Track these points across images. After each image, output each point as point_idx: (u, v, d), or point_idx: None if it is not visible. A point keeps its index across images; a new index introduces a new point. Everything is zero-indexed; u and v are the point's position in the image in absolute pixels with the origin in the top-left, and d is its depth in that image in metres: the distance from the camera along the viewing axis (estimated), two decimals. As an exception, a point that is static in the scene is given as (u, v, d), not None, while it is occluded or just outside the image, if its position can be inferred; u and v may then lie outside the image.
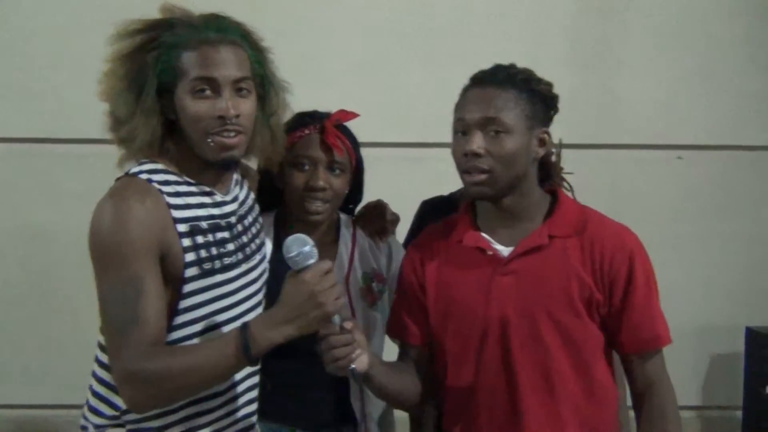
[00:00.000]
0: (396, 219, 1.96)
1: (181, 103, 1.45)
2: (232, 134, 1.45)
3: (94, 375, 1.52)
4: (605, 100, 3.16)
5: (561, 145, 1.70)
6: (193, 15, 1.50)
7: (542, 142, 1.54)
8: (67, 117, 3.09)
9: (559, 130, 3.09)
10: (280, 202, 1.85)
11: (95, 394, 1.51)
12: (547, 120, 1.57)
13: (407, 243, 1.98)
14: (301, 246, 1.38)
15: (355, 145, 1.83)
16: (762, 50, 3.22)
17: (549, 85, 1.57)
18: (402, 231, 2.05)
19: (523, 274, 1.53)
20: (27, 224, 3.22)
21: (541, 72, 3.29)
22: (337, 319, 1.40)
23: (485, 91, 1.51)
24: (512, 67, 1.56)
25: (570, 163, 3.06)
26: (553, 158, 1.68)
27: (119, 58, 1.47)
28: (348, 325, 1.42)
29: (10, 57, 3.14)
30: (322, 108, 2.69)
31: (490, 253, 1.56)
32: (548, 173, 1.65)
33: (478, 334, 1.55)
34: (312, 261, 1.39)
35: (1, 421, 3.28)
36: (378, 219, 1.92)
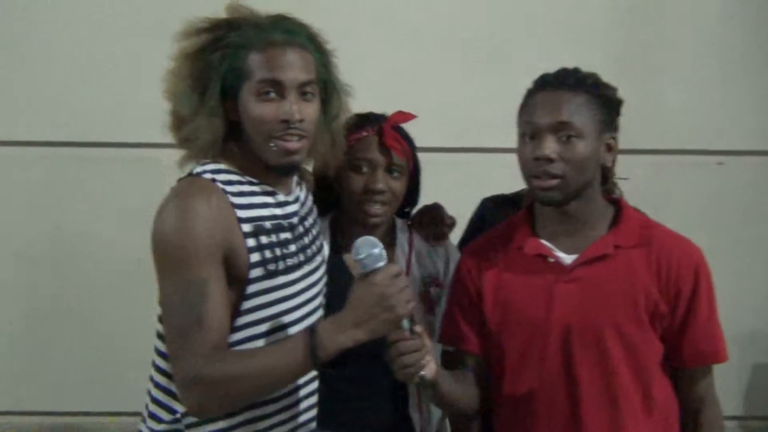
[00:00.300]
0: (453, 223, 1.93)
1: (246, 105, 1.44)
2: (295, 138, 1.44)
3: (152, 380, 1.52)
4: (643, 105, 3.12)
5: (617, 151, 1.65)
6: (259, 15, 1.49)
7: (609, 148, 1.53)
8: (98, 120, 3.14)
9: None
10: (335, 206, 1.82)
11: (154, 400, 1.50)
12: (612, 125, 1.54)
13: (464, 242, 1.98)
14: (371, 248, 1.37)
15: (412, 147, 1.81)
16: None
17: (615, 89, 1.56)
18: (455, 235, 2.03)
19: (587, 282, 1.51)
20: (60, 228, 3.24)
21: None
22: (406, 323, 1.37)
23: (557, 95, 1.49)
24: (579, 71, 1.55)
25: (618, 168, 3.08)
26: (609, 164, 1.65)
27: (184, 57, 1.46)
28: (418, 329, 1.39)
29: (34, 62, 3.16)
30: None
31: (552, 260, 1.54)
32: (605, 177, 1.63)
33: (540, 342, 1.52)
34: (381, 263, 1.36)
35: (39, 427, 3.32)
36: (434, 222, 1.89)
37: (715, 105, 3.17)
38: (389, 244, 1.82)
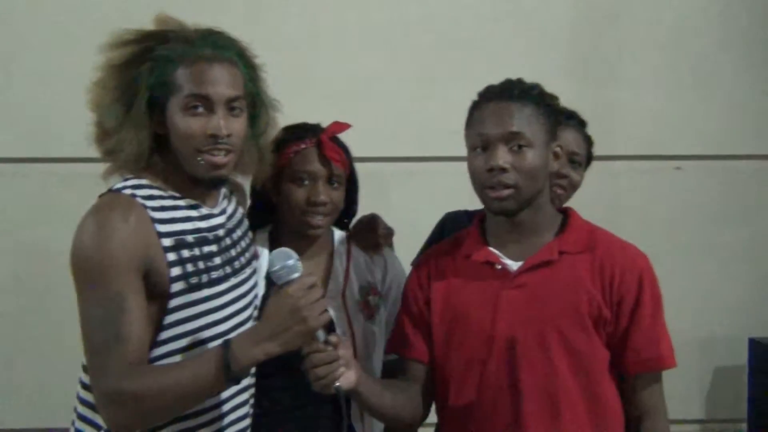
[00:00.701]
0: (389, 233, 1.96)
1: (173, 119, 1.44)
2: (222, 153, 1.45)
3: (78, 396, 1.52)
4: (601, 111, 3.13)
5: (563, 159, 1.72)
6: (188, 28, 1.49)
7: (556, 156, 1.57)
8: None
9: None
10: (272, 218, 1.83)
11: (80, 417, 1.51)
12: (556, 135, 1.59)
13: (422, 252, 2.02)
14: (285, 260, 1.38)
15: (349, 157, 1.82)
16: (758, 57, 3.21)
17: (557, 99, 1.61)
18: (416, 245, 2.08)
19: (531, 288, 1.53)
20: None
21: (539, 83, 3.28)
22: (321, 335, 1.38)
23: (505, 106, 1.52)
24: (524, 82, 1.59)
25: (569, 175, 3.08)
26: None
27: (110, 68, 1.46)
28: (332, 339, 1.40)
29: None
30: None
31: (499, 267, 1.56)
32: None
33: (484, 350, 1.53)
34: (296, 275, 1.38)
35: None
36: (370, 233, 1.91)
37: (672, 110, 3.18)
38: (329, 254, 1.86)
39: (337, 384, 1.39)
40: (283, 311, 1.34)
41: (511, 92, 1.54)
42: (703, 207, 3.21)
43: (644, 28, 3.18)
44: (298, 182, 1.75)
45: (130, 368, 1.32)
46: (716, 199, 3.24)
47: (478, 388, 1.54)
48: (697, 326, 3.21)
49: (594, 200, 3.12)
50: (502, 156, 1.49)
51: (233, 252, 1.58)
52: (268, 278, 1.67)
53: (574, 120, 2.21)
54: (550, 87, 3.04)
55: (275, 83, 2.96)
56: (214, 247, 1.52)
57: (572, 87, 3.10)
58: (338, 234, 1.92)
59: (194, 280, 1.45)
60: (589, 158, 2.27)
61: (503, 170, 1.49)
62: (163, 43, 1.45)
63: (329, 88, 3.07)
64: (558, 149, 1.58)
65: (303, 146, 1.76)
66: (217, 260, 1.51)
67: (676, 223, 3.19)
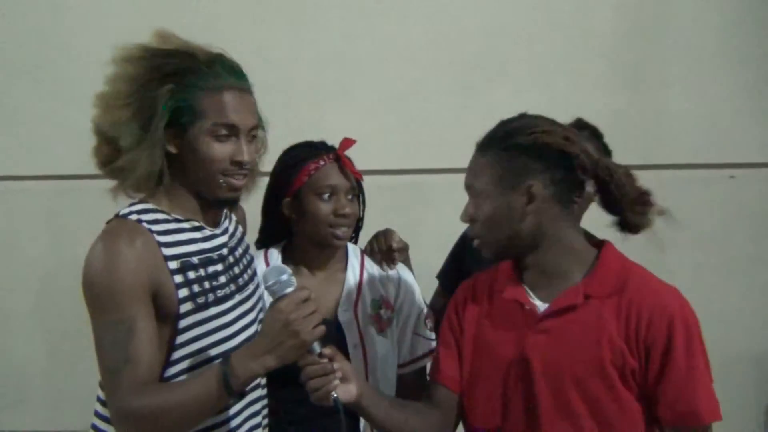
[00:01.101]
0: (403, 247, 1.99)
1: (196, 142, 1.49)
2: (243, 176, 1.53)
3: (96, 413, 1.58)
4: (650, 119, 3.09)
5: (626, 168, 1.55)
6: (199, 50, 1.53)
7: (531, 197, 1.45)
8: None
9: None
10: (284, 235, 1.91)
11: (96, 430, 1.58)
12: (544, 169, 1.45)
13: (445, 268, 2.15)
14: (279, 275, 1.42)
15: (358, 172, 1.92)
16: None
17: (543, 133, 1.45)
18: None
19: (555, 334, 1.47)
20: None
21: (582, 95, 3.26)
22: (316, 348, 1.41)
23: (471, 159, 1.53)
24: (504, 123, 1.53)
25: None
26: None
27: (124, 83, 1.48)
28: (326, 351, 1.43)
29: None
30: (367, 137, 2.68)
31: (528, 307, 1.51)
32: (616, 203, 1.51)
33: (509, 387, 1.50)
34: (289, 290, 1.41)
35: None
36: (386, 246, 1.96)
37: (725, 117, 3.09)
38: (342, 267, 1.93)
39: (335, 395, 1.42)
40: (276, 326, 1.38)
41: (481, 142, 1.53)
42: (758, 217, 3.11)
43: (692, 33, 3.10)
44: (322, 197, 1.81)
45: (139, 388, 1.38)
46: (772, 209, 3.13)
47: (501, 421, 1.53)
48: (752, 340, 3.12)
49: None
50: (466, 209, 1.53)
51: (236, 269, 1.64)
52: None
53: (586, 131, 2.20)
54: (594, 96, 3.04)
55: (314, 98, 3.02)
56: (219, 267, 1.57)
57: (619, 95, 3.05)
58: (351, 247, 1.98)
59: (201, 299, 1.50)
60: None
61: (470, 221, 1.53)
62: (182, 65, 1.49)
63: (368, 102, 3.08)
64: (535, 189, 1.44)
65: (323, 163, 1.83)
66: (222, 279, 1.57)
67: (730, 234, 3.10)
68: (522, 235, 1.47)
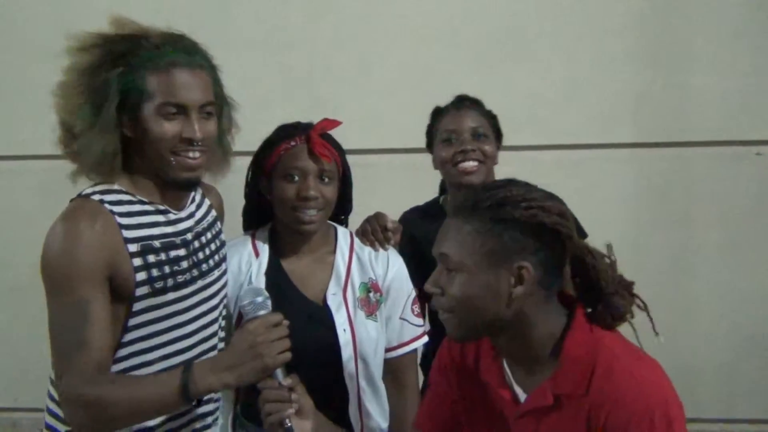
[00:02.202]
0: (397, 228, 1.98)
1: (147, 123, 1.48)
2: (197, 154, 1.51)
3: (49, 394, 1.59)
4: (676, 96, 3.03)
5: (611, 256, 1.38)
6: (152, 32, 1.52)
7: (520, 279, 1.28)
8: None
9: (629, 129, 3.01)
10: (270, 217, 1.89)
11: (50, 413, 1.58)
12: (537, 250, 1.29)
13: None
14: (254, 296, 1.44)
15: (341, 152, 1.86)
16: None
17: (542, 210, 1.29)
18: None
19: (535, 429, 1.35)
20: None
21: (605, 73, 3.21)
22: (279, 374, 1.42)
23: (448, 223, 1.35)
24: (491, 188, 1.34)
25: (643, 162, 2.97)
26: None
27: (78, 72, 1.49)
28: (287, 381, 1.43)
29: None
30: (386, 115, 2.63)
31: (508, 398, 1.40)
32: (599, 291, 1.34)
33: None
34: (262, 312, 1.43)
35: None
36: (379, 227, 1.94)
37: (751, 94, 3.02)
38: (330, 251, 1.90)
39: (288, 424, 1.42)
40: (242, 346, 1.39)
41: (464, 204, 1.34)
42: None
43: (717, 9, 3.02)
44: (288, 179, 1.78)
45: (92, 375, 1.38)
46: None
47: None
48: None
49: (669, 189, 3.05)
50: (433, 277, 1.36)
51: (201, 255, 1.63)
52: (266, 275, 1.79)
53: (467, 102, 2.19)
54: (618, 74, 2.99)
55: (333, 78, 3.00)
56: (181, 251, 1.57)
57: (643, 72, 3.01)
58: (341, 230, 1.95)
59: (159, 284, 1.50)
60: (498, 132, 2.21)
61: (437, 291, 1.35)
62: (132, 48, 1.48)
63: (386, 81, 3.07)
64: (525, 271, 1.28)
65: (293, 144, 1.79)
66: (184, 264, 1.57)
67: (756, 211, 3.04)
68: (501, 318, 1.30)
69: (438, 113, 2.23)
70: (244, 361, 1.38)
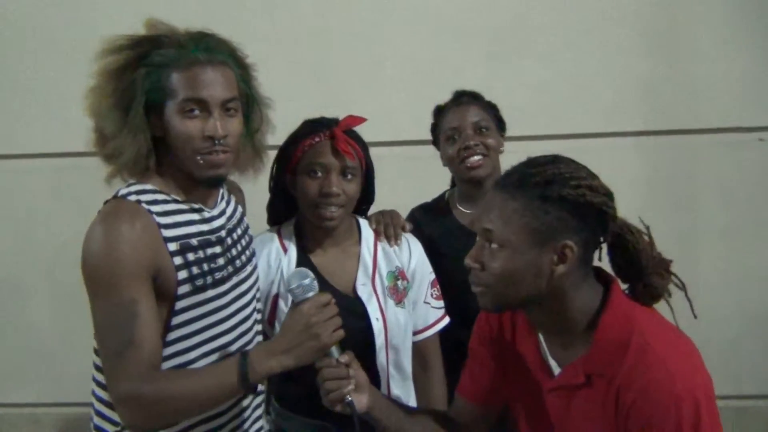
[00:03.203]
0: (411, 229, 2.00)
1: (170, 122, 1.49)
2: (219, 154, 1.50)
3: (94, 395, 1.58)
4: (679, 84, 3.08)
5: (650, 235, 1.40)
6: (180, 32, 1.53)
7: (563, 257, 1.28)
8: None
9: (635, 117, 3.07)
10: (296, 210, 1.90)
11: (98, 413, 1.57)
12: (580, 229, 1.28)
13: None
14: (301, 279, 1.45)
15: (364, 149, 1.86)
16: None
17: (590, 190, 1.29)
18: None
19: (562, 406, 1.37)
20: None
21: (611, 63, 3.26)
22: (334, 352, 1.45)
23: (493, 196, 1.34)
24: (538, 165, 1.32)
25: (649, 150, 3.03)
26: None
27: (106, 74, 1.49)
28: (343, 358, 1.45)
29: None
30: (397, 108, 2.68)
31: (543, 368, 1.42)
32: (639, 270, 1.36)
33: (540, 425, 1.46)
34: (311, 293, 1.45)
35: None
36: (392, 223, 1.96)
37: (754, 81, 3.07)
38: (355, 242, 1.93)
39: (349, 399, 1.44)
40: (297, 327, 1.42)
41: (508, 179, 1.33)
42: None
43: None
44: (312, 174, 1.79)
45: (147, 372, 1.38)
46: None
47: None
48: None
49: (674, 175, 3.10)
50: (474, 252, 1.35)
51: (234, 251, 1.64)
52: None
53: (465, 97, 2.23)
54: (622, 61, 3.03)
55: (344, 73, 3.05)
56: (217, 249, 1.57)
57: (647, 62, 3.06)
58: (363, 222, 1.96)
59: (200, 282, 1.51)
60: (500, 122, 2.26)
61: (476, 266, 1.34)
62: (156, 48, 1.49)
63: (397, 75, 3.12)
64: (569, 250, 1.27)
65: (317, 140, 1.80)
66: (221, 261, 1.57)
67: (760, 196, 3.09)
68: (540, 295, 1.31)
69: (439, 111, 2.27)
70: (301, 342, 1.41)
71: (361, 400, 1.46)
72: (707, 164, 3.10)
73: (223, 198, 1.68)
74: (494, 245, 1.30)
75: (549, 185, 1.27)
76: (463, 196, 2.26)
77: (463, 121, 2.16)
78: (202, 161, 1.49)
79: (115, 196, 1.50)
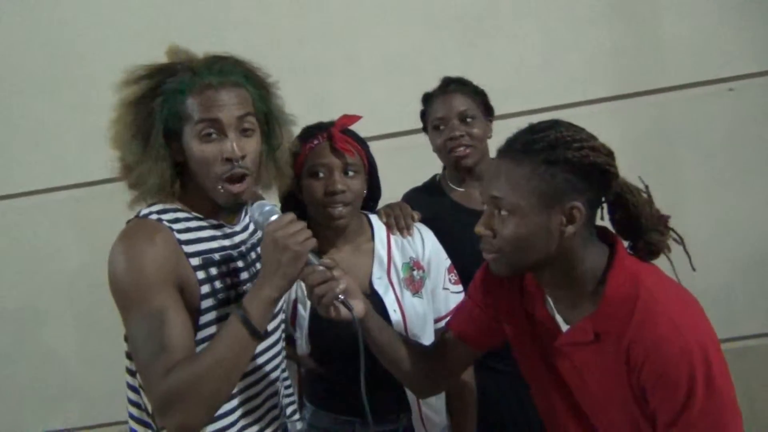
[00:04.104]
0: (419, 217, 2.04)
1: (189, 148, 1.50)
2: (239, 183, 1.52)
3: (129, 399, 1.59)
4: (647, 45, 3.14)
5: (648, 193, 1.44)
6: (195, 58, 1.55)
7: (571, 218, 1.32)
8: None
9: (607, 83, 3.14)
10: (304, 214, 1.91)
11: (132, 418, 1.60)
12: (586, 189, 1.32)
13: None
14: (261, 208, 1.48)
15: (364, 146, 1.91)
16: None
17: (593, 151, 1.32)
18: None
19: (571, 363, 1.40)
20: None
21: (579, 33, 3.31)
22: (313, 259, 1.45)
23: (498, 165, 1.36)
24: (540, 130, 1.35)
25: (623, 114, 3.11)
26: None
27: (126, 105, 1.52)
28: (325, 261, 1.48)
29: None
30: (376, 102, 2.73)
31: (552, 327, 1.44)
32: (638, 228, 1.40)
33: (543, 386, 1.50)
34: (274, 217, 1.46)
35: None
36: (402, 215, 2.00)
37: (717, 34, 3.13)
38: (368, 238, 1.95)
39: (342, 297, 1.46)
40: (268, 248, 1.41)
41: (513, 146, 1.35)
42: (760, 124, 3.16)
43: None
44: (315, 176, 1.84)
45: (171, 369, 1.35)
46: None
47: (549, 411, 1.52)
48: (760, 242, 3.20)
49: (650, 135, 3.17)
50: (484, 220, 1.37)
51: (257, 265, 1.63)
52: None
53: (453, 85, 2.26)
54: (590, 30, 3.12)
55: (326, 73, 3.09)
56: (239, 263, 1.60)
57: (615, 29, 3.12)
58: (374, 217, 1.99)
59: (222, 296, 1.53)
60: (488, 108, 2.29)
61: (490, 236, 1.37)
62: (171, 76, 1.51)
63: (374, 68, 3.17)
64: (576, 211, 1.31)
65: (316, 142, 1.85)
66: (245, 275, 1.60)
67: (735, 144, 3.16)
68: (550, 257, 1.34)
69: (427, 99, 2.29)
70: (277, 260, 1.39)
71: (356, 304, 1.49)
72: (681, 120, 3.16)
73: (246, 213, 1.69)
74: (503, 212, 1.32)
75: (553, 149, 1.30)
76: (455, 179, 2.30)
77: (449, 111, 2.20)
78: (222, 190, 1.51)
79: (137, 216, 1.53)
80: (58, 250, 3.30)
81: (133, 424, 1.60)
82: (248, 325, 1.38)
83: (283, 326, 1.78)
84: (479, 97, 2.27)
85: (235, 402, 1.58)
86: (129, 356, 1.53)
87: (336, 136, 1.84)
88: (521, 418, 2.13)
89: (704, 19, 3.12)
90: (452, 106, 2.21)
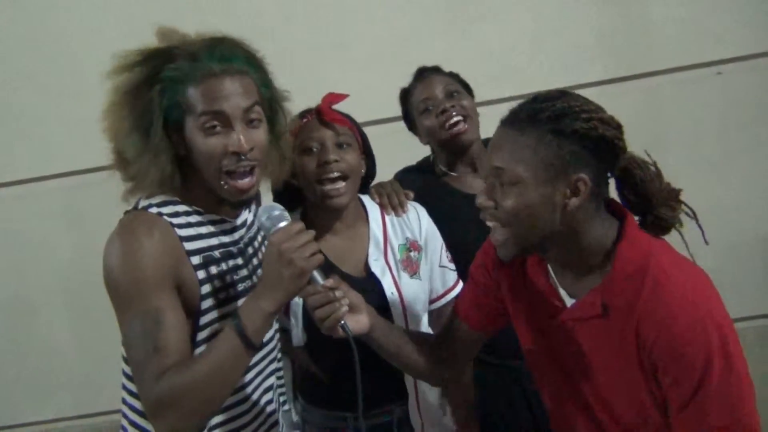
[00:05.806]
0: (408, 195, 2.01)
1: (192, 140, 1.42)
2: (247, 172, 1.44)
3: (126, 403, 1.54)
4: (636, 29, 3.15)
5: (656, 167, 1.40)
6: (192, 41, 1.45)
7: (576, 191, 1.26)
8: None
9: (595, 67, 3.15)
10: (302, 200, 1.90)
11: (132, 423, 1.55)
12: (592, 162, 1.27)
13: None
14: (270, 211, 1.40)
15: (354, 123, 1.89)
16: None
17: (601, 122, 1.27)
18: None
19: (581, 339, 1.35)
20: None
21: (568, 16, 3.33)
22: (317, 277, 1.39)
23: (501, 134, 1.30)
24: (546, 100, 1.29)
25: (612, 97, 3.10)
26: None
27: (121, 95, 1.43)
28: (328, 283, 1.40)
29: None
30: (366, 89, 2.73)
31: (556, 302, 1.40)
32: (648, 202, 1.36)
33: (542, 363, 1.49)
34: (282, 224, 1.38)
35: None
36: (394, 193, 1.98)
37: (705, 17, 3.15)
38: (364, 221, 1.92)
39: (343, 323, 1.40)
40: (272, 259, 1.33)
41: (517, 116, 1.29)
42: (748, 107, 3.19)
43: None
44: (308, 152, 1.80)
45: (165, 373, 1.31)
46: (762, 97, 3.20)
47: (551, 394, 1.51)
48: (757, 223, 3.25)
49: (640, 119, 3.16)
50: (487, 191, 1.31)
51: (255, 260, 1.60)
52: None
53: (427, 72, 2.25)
54: (578, 15, 3.11)
55: (316, 61, 3.09)
56: (239, 260, 1.54)
57: (602, 12, 3.13)
58: (366, 198, 1.97)
59: (222, 295, 1.47)
60: (466, 86, 2.28)
61: (492, 208, 1.31)
62: (169, 62, 1.41)
63: (365, 53, 3.17)
64: (581, 183, 1.25)
65: (305, 120, 1.83)
66: (244, 272, 1.54)
67: (724, 127, 3.19)
68: (555, 230, 1.29)
69: (406, 93, 2.28)
70: (279, 273, 1.32)
71: (360, 320, 1.44)
72: (670, 104, 3.18)
73: (248, 208, 1.64)
74: (506, 183, 1.27)
75: (560, 119, 1.24)
76: (446, 164, 2.26)
77: (433, 90, 2.17)
78: (227, 186, 1.44)
79: (135, 207, 1.46)
80: (48, 240, 3.30)
81: (132, 430, 1.56)
82: (243, 337, 1.32)
83: (277, 325, 1.75)
84: (455, 77, 2.26)
85: (233, 401, 1.56)
86: (126, 360, 1.48)
87: (324, 110, 1.82)
88: (508, 413, 2.13)
89: (692, 3, 3.13)
90: (434, 85, 2.19)
